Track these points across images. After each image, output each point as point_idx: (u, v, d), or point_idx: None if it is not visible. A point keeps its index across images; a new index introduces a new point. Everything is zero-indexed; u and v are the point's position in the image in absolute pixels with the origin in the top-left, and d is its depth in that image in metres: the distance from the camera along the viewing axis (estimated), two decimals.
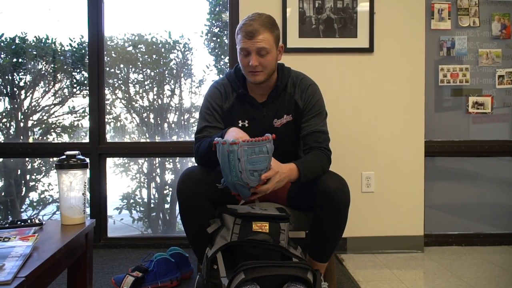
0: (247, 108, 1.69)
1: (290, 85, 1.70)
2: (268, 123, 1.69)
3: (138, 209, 2.83)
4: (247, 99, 1.68)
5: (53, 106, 2.74)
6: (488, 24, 2.57)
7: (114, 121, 2.72)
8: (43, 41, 2.69)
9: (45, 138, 2.74)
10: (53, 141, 2.74)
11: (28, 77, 2.70)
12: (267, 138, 1.38)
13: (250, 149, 1.34)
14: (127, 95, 2.74)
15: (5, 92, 2.68)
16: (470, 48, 2.56)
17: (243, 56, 1.60)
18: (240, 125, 1.68)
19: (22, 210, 2.78)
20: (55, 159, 2.62)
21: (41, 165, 2.83)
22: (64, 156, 1.39)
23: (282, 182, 1.47)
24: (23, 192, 2.79)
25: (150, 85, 2.74)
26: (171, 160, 2.83)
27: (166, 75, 2.74)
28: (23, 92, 2.70)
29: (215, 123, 1.66)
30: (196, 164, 1.65)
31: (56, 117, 2.75)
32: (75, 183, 1.38)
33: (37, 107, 2.73)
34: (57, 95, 2.72)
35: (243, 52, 1.59)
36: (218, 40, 2.80)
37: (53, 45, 2.70)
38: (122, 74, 2.73)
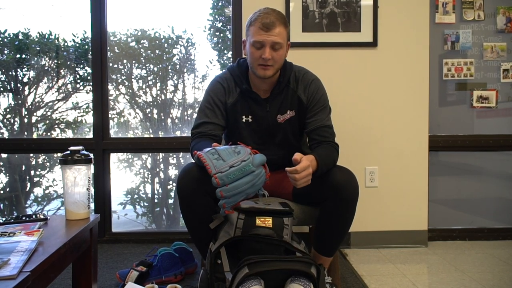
0: (250, 104, 1.68)
1: (293, 80, 1.69)
2: (272, 119, 1.68)
3: (142, 204, 2.84)
4: (251, 94, 1.68)
5: (56, 101, 2.74)
6: (493, 18, 2.55)
7: (118, 116, 2.73)
8: (46, 37, 2.69)
9: (49, 133, 2.75)
10: (57, 137, 2.75)
11: (32, 73, 2.70)
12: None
13: (213, 158, 1.30)
14: (130, 91, 2.74)
15: (9, 88, 2.68)
16: (474, 42, 2.54)
17: (255, 48, 1.58)
18: (244, 120, 1.68)
19: (26, 205, 2.80)
20: (59, 154, 2.63)
21: (45, 161, 2.84)
22: (68, 152, 1.40)
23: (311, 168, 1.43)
24: (28, 188, 2.80)
25: (154, 80, 2.73)
26: (174, 156, 2.84)
27: (169, 70, 2.74)
28: (26, 88, 2.71)
29: (213, 119, 1.66)
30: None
31: (60, 112, 2.76)
32: (79, 178, 1.39)
33: (41, 103, 2.74)
34: (60, 91, 2.73)
35: (256, 44, 1.57)
36: (221, 35, 2.79)
37: (56, 40, 2.70)
38: (125, 70, 2.73)
